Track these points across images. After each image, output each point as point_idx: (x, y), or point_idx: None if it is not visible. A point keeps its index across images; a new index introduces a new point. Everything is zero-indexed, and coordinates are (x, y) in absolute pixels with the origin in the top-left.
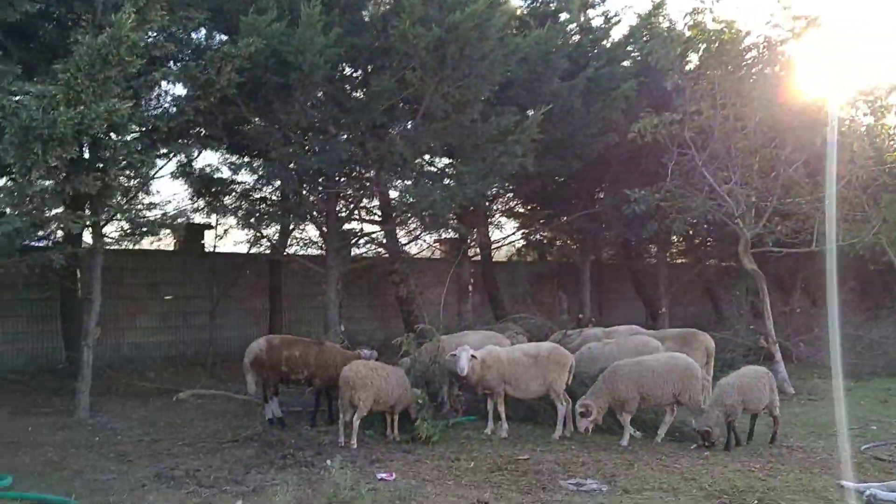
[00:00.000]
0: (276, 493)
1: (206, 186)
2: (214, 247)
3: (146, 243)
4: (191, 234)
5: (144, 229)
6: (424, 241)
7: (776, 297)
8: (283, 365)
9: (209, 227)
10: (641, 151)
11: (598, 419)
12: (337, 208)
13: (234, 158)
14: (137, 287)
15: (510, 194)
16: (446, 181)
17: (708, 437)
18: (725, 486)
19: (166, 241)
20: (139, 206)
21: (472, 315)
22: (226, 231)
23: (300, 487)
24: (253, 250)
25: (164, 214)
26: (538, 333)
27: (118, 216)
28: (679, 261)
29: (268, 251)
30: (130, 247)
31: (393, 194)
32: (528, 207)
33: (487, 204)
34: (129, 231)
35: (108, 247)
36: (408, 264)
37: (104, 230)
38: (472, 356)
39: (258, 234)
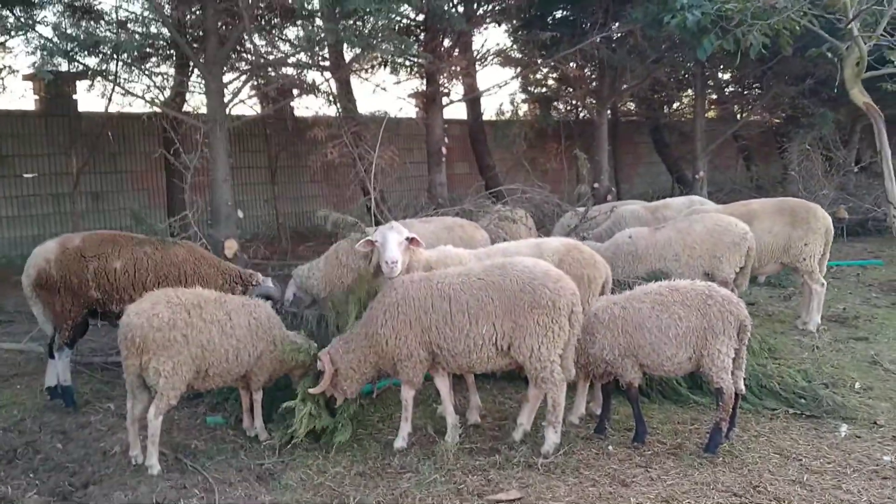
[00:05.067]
0: None
1: None
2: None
3: None
4: (56, 89)
5: None
6: (381, 87)
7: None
8: (92, 287)
9: (82, 75)
10: None
11: (349, 391)
12: (217, 24)
13: None
14: None
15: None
16: None
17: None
18: None
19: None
20: None
21: (447, 189)
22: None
23: None
24: (114, 108)
25: None
26: (542, 216)
27: None
28: (709, 115)
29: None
30: None
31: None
32: (524, 47)
33: (465, 27)
34: None
35: None
36: (352, 118)
37: None
38: (409, 238)
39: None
